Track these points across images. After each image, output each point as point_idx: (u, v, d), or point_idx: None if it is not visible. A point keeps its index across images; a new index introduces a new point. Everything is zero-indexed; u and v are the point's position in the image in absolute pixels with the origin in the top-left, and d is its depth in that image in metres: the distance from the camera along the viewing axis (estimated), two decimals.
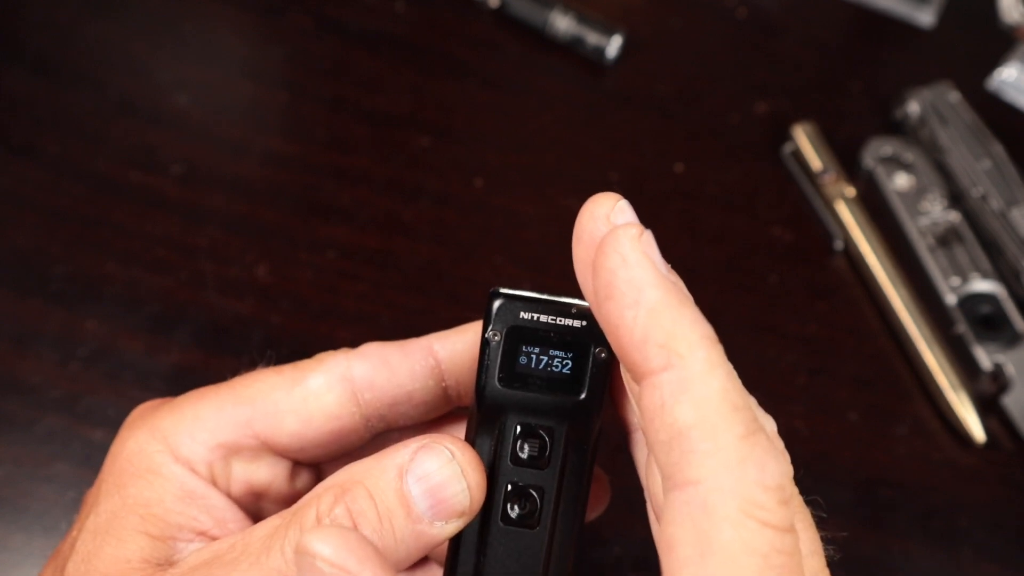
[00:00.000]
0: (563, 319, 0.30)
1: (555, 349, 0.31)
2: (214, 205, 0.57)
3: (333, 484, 0.30)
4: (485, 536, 0.31)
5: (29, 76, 0.61)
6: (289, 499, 0.36)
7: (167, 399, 0.35)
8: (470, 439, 0.32)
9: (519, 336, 0.30)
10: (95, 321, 0.53)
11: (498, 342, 0.30)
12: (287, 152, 0.60)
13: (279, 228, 0.57)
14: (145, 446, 0.33)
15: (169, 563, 0.31)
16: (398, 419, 0.35)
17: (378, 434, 0.36)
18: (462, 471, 0.30)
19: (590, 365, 0.30)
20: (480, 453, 0.31)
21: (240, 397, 0.34)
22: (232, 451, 0.34)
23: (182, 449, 0.33)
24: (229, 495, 0.34)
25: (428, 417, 0.36)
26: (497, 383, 0.31)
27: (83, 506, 0.35)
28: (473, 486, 0.30)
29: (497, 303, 0.30)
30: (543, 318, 0.30)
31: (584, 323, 0.30)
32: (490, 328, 0.30)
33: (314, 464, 0.37)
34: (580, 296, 0.30)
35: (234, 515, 0.33)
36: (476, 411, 0.31)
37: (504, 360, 0.30)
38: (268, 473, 0.35)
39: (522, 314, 0.30)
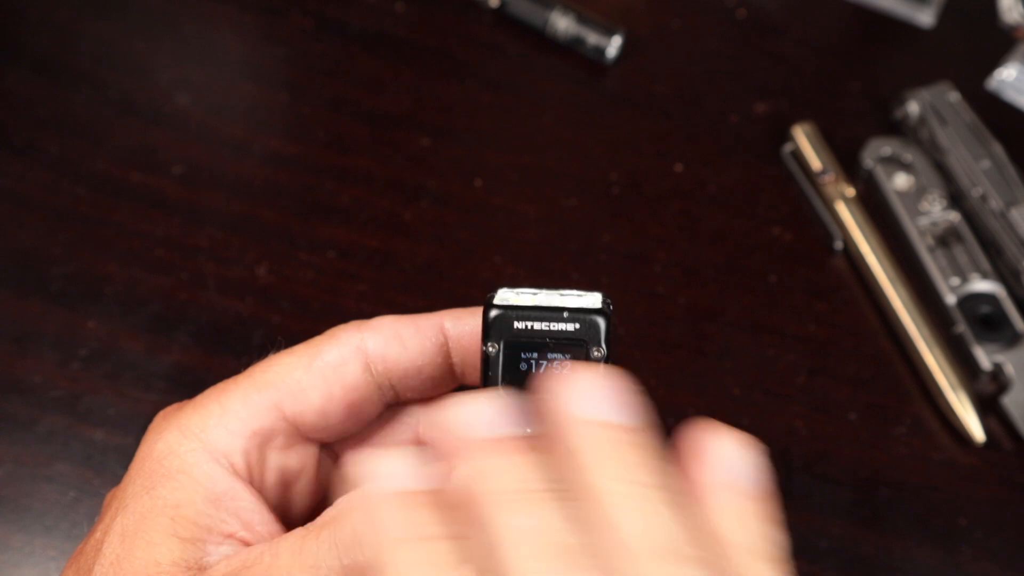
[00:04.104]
0: (556, 324, 0.31)
1: (552, 352, 0.31)
2: (214, 205, 0.57)
3: (363, 498, 0.31)
4: None
5: (29, 76, 0.61)
6: (315, 488, 0.36)
7: (186, 401, 0.35)
8: None
9: (516, 346, 0.31)
10: (95, 321, 0.53)
11: (497, 353, 0.31)
12: (287, 152, 0.60)
13: (279, 228, 0.57)
14: (176, 446, 0.33)
15: (199, 566, 0.31)
16: (407, 392, 0.36)
17: (389, 405, 0.36)
18: None
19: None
20: None
21: (262, 382, 0.34)
22: (267, 438, 0.34)
23: (218, 443, 0.33)
24: (262, 487, 0.34)
25: (435, 392, 0.36)
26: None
27: (105, 509, 0.34)
28: None
29: (492, 315, 0.31)
30: (537, 326, 0.31)
31: (577, 326, 0.31)
32: (489, 341, 0.31)
33: (335, 442, 0.37)
34: (576, 288, 0.32)
35: (261, 518, 0.33)
36: None
37: (505, 369, 0.31)
38: (299, 461, 0.35)
39: (516, 324, 0.31)
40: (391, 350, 0.35)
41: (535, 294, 0.32)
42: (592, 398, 0.26)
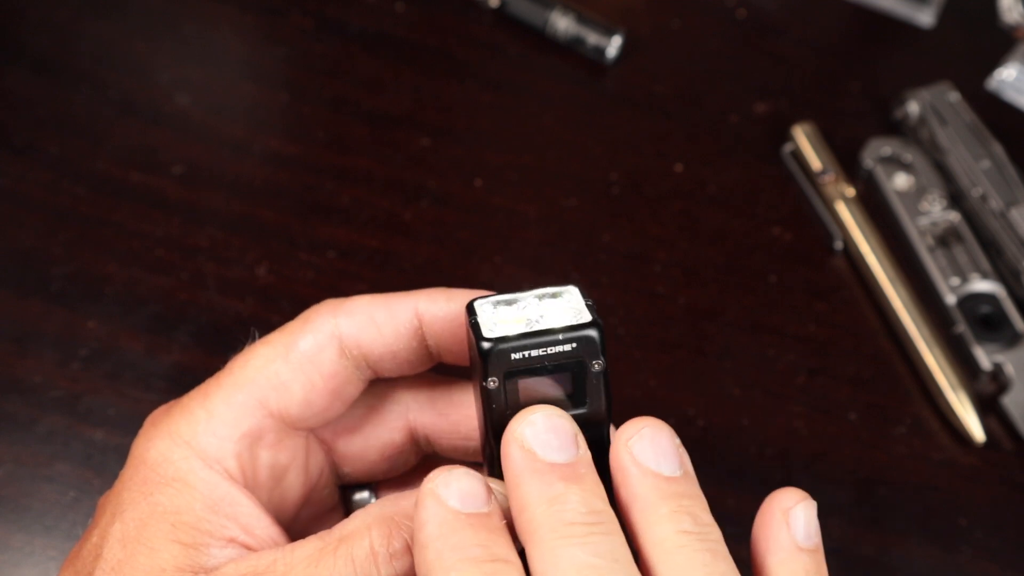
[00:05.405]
0: (552, 347, 0.31)
1: (553, 374, 0.31)
2: (214, 205, 0.57)
3: (381, 516, 0.31)
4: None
5: (29, 76, 0.61)
6: (306, 476, 0.36)
7: (175, 402, 0.35)
8: (494, 474, 0.32)
9: (515, 374, 0.31)
10: (95, 321, 0.53)
11: (498, 386, 0.31)
12: (287, 152, 0.60)
13: (279, 228, 0.57)
14: (168, 454, 0.33)
15: (203, 569, 0.31)
16: (384, 371, 0.36)
17: (370, 382, 0.36)
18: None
19: (589, 379, 0.31)
20: None
21: (242, 380, 0.34)
22: (256, 438, 0.34)
23: (209, 449, 0.33)
24: (256, 485, 0.34)
25: (412, 371, 0.36)
26: (508, 420, 0.31)
27: (99, 513, 0.34)
28: None
29: (487, 349, 0.30)
30: (534, 352, 0.31)
31: (574, 345, 0.31)
32: (488, 377, 0.31)
33: (322, 427, 0.37)
34: (559, 283, 0.32)
35: (260, 522, 0.33)
36: (493, 448, 0.32)
37: (508, 400, 0.31)
38: (289, 454, 0.36)
39: (513, 356, 0.30)
40: (365, 334, 0.35)
41: (511, 303, 0.31)
42: (652, 451, 0.29)
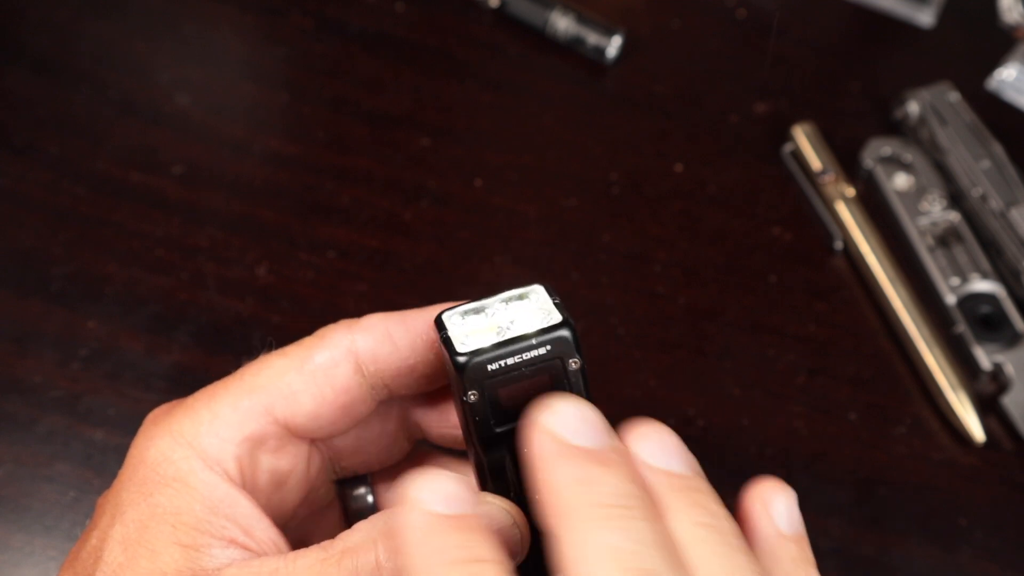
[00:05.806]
0: (528, 352, 0.30)
1: (531, 378, 0.31)
2: (214, 205, 0.57)
3: (387, 530, 0.31)
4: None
5: (29, 76, 0.61)
6: (306, 483, 0.36)
7: (178, 401, 0.35)
8: (486, 485, 0.32)
9: (496, 385, 0.31)
10: (95, 321, 0.53)
11: (478, 399, 0.30)
12: (287, 152, 0.60)
13: (279, 228, 0.57)
14: (169, 453, 0.33)
15: (204, 571, 0.31)
16: (400, 389, 0.36)
17: (382, 401, 0.36)
18: (513, 520, 0.31)
19: (568, 378, 0.31)
20: (501, 492, 0.32)
21: (252, 386, 0.34)
22: (258, 443, 0.34)
23: (210, 450, 0.33)
24: (255, 489, 0.34)
25: (428, 388, 0.36)
26: (493, 429, 0.31)
27: (99, 513, 0.34)
28: (522, 526, 0.31)
29: (462, 363, 0.30)
30: (510, 360, 0.30)
31: (548, 348, 0.30)
32: (468, 391, 0.30)
33: (327, 439, 0.37)
34: (526, 283, 0.31)
35: (259, 523, 0.33)
36: (482, 458, 0.31)
37: (491, 408, 0.31)
38: (290, 461, 0.35)
39: (489, 367, 0.30)
40: (382, 350, 0.34)
41: (479, 311, 0.31)
42: (660, 451, 0.28)
